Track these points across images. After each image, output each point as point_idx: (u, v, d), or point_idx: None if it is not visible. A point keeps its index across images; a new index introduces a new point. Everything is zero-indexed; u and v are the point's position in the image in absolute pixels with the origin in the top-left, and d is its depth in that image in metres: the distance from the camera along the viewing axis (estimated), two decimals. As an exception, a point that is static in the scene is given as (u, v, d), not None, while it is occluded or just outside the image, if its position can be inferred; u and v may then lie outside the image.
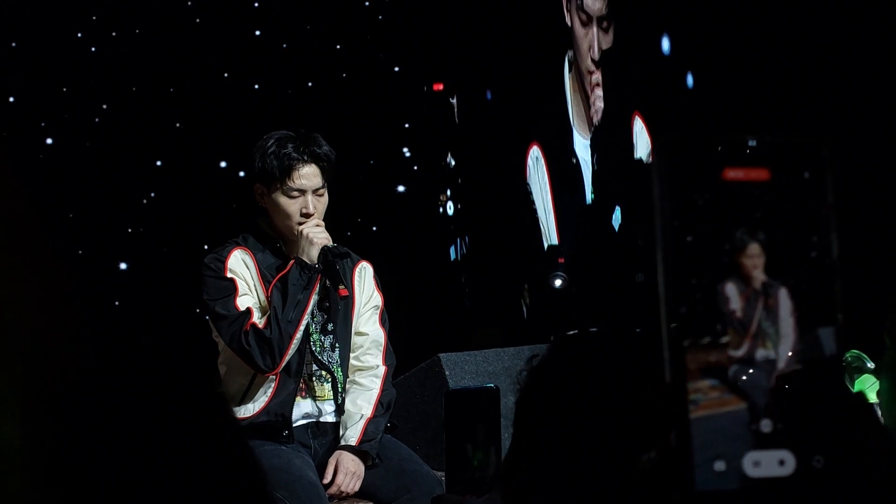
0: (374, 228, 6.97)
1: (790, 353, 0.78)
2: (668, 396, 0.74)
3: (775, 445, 0.75)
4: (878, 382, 2.81)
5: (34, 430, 0.60)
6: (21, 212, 0.64)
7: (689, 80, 5.50)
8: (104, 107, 6.73)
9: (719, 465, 0.74)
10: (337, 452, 3.60)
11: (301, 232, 3.57)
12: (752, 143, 0.80)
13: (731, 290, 0.79)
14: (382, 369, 3.76)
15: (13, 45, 6.56)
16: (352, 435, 3.61)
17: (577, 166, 6.44)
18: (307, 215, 3.58)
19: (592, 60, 6.31)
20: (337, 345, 3.67)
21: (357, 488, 3.60)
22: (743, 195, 0.80)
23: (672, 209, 0.78)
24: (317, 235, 3.56)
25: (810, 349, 0.78)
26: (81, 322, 0.65)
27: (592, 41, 6.26)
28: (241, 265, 3.60)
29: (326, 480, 3.56)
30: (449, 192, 7.06)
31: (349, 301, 3.71)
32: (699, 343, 0.77)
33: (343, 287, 3.64)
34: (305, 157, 3.58)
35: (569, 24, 6.41)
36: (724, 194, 0.79)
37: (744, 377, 0.77)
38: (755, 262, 0.80)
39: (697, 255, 0.79)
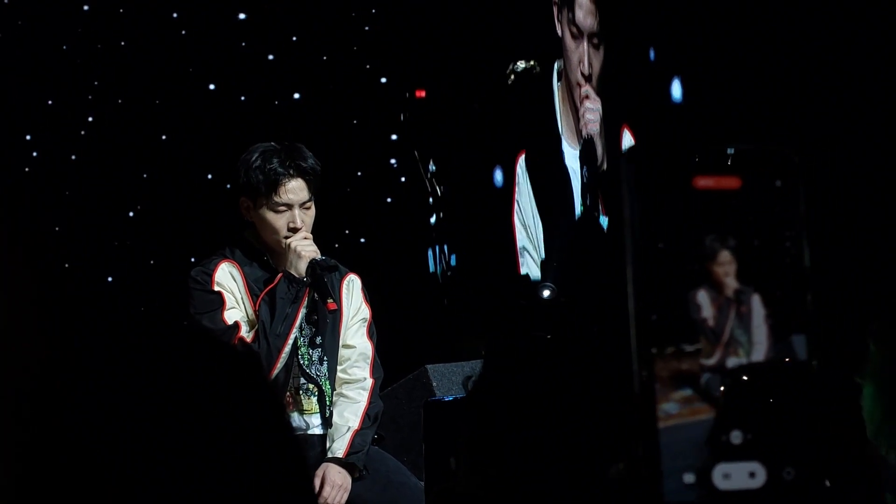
0: (363, 240, 6.96)
1: (763, 362, 0.77)
2: (636, 406, 0.74)
3: (746, 457, 0.74)
4: None
5: (19, 434, 0.59)
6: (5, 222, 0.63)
7: (676, 89, 5.51)
8: (90, 119, 6.71)
9: (689, 477, 0.73)
10: (324, 465, 3.59)
11: (289, 245, 3.55)
12: (722, 151, 0.79)
13: (702, 297, 0.79)
14: (370, 382, 3.74)
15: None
16: (339, 447, 3.60)
17: (567, 176, 6.43)
18: (294, 229, 3.56)
19: (582, 74, 6.31)
20: (325, 358, 3.66)
21: (344, 501, 3.59)
22: (714, 203, 0.79)
23: (642, 217, 0.77)
24: (305, 248, 3.54)
25: (782, 357, 0.78)
26: (69, 330, 0.65)
27: (583, 55, 6.26)
28: (228, 278, 3.58)
29: (313, 493, 3.55)
30: (431, 201, 7.05)
31: (337, 314, 3.69)
32: (670, 351, 0.76)
33: (331, 301, 3.62)
34: (291, 172, 3.55)
35: (559, 34, 6.41)
36: (695, 202, 0.79)
37: (715, 386, 0.77)
38: (726, 270, 0.79)
39: (668, 263, 0.78)
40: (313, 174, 3.60)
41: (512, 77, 6.69)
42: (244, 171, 3.57)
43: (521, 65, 6.63)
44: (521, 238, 6.69)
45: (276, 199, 3.54)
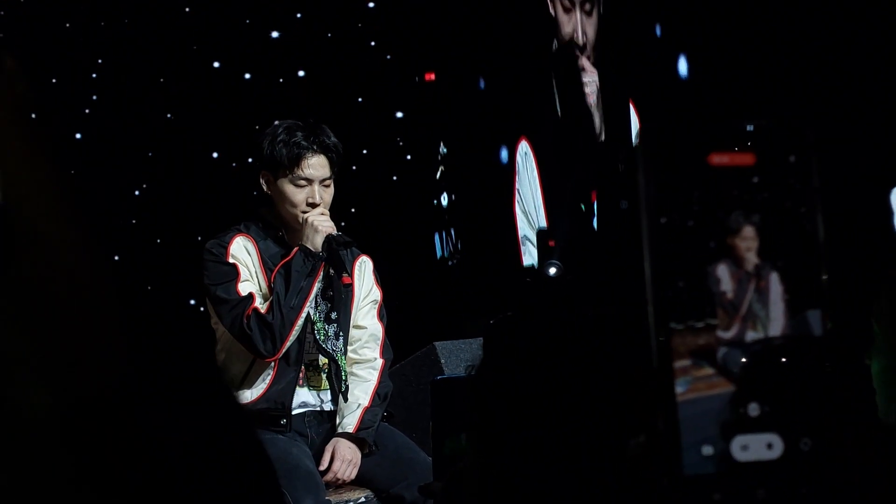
0: (368, 218, 6.96)
1: (779, 336, 0.78)
2: (655, 380, 0.75)
3: (763, 429, 0.75)
4: None
5: (60, 399, 0.60)
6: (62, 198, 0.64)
7: (682, 65, 5.49)
8: (94, 98, 6.71)
9: (707, 450, 0.74)
10: (334, 440, 3.61)
11: (306, 220, 3.57)
12: (736, 127, 0.80)
13: (722, 271, 0.79)
14: (380, 362, 3.76)
15: (1, 35, 6.54)
16: (349, 422, 3.62)
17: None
18: (313, 205, 3.59)
19: (576, 45, 6.29)
20: (340, 333, 3.68)
21: (353, 476, 3.61)
22: (729, 179, 0.80)
23: (658, 193, 0.78)
24: (322, 224, 3.56)
25: (798, 332, 0.78)
26: (118, 302, 0.65)
27: (576, 26, 6.24)
28: (243, 252, 3.60)
29: (323, 467, 3.56)
30: (440, 174, 7.04)
31: (350, 289, 3.71)
32: (687, 325, 0.77)
33: (346, 275, 3.64)
34: (315, 147, 3.59)
35: (552, 13, 6.39)
36: (710, 179, 0.79)
37: (732, 360, 0.77)
38: (749, 245, 0.80)
39: (685, 239, 0.79)
40: (336, 152, 3.64)
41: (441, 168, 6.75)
42: (268, 144, 3.60)
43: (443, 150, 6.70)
44: (522, 226, 6.68)
45: (298, 172, 3.57)
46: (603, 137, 6.35)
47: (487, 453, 0.90)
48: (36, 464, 0.59)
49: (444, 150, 7.03)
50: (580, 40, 6.23)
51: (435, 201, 7.07)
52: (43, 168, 0.63)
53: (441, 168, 7.03)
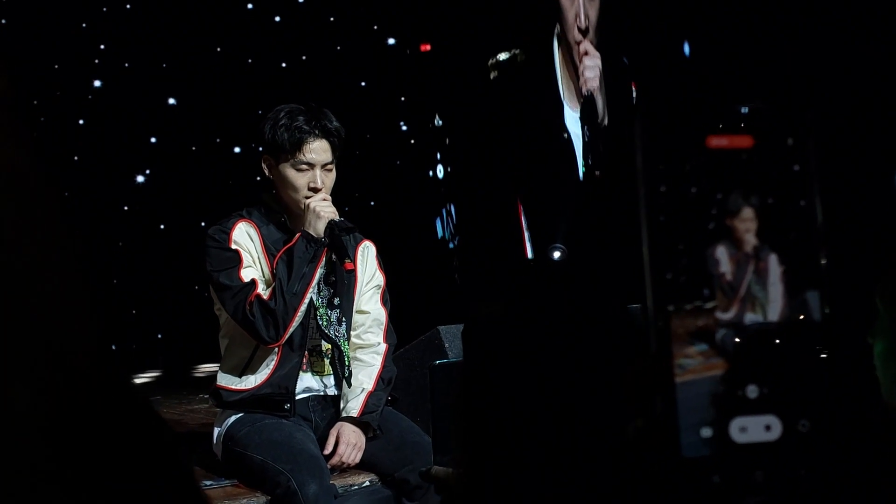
0: (372, 203, 6.96)
1: (778, 318, 0.78)
2: (653, 363, 0.75)
3: (762, 411, 0.75)
4: None
5: (43, 397, 0.60)
6: (39, 189, 0.64)
7: (685, 47, 5.48)
8: (96, 84, 6.70)
9: (706, 432, 0.75)
10: (338, 424, 3.61)
11: (308, 205, 3.56)
12: (734, 110, 0.79)
13: (721, 253, 0.79)
14: (383, 347, 3.77)
15: (3, 21, 6.54)
16: (353, 407, 3.62)
17: (569, 141, 6.41)
18: (315, 189, 3.58)
19: (579, 29, 6.27)
20: (343, 319, 3.68)
21: (358, 460, 3.61)
22: (727, 162, 0.80)
23: (656, 176, 0.78)
24: (324, 209, 3.56)
25: (797, 313, 0.78)
26: (97, 298, 0.66)
27: (578, 9, 6.22)
28: (245, 238, 3.60)
29: (327, 451, 3.56)
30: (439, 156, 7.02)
31: (353, 275, 3.71)
32: (686, 307, 0.77)
33: (349, 261, 3.63)
34: (316, 132, 3.58)
35: None
36: (708, 161, 0.79)
37: (731, 341, 0.77)
38: (748, 226, 0.80)
39: (683, 221, 0.78)
40: (338, 137, 3.63)
41: (494, 71, 6.66)
42: (270, 129, 3.59)
43: (502, 56, 6.61)
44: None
45: (300, 157, 3.56)
46: (606, 121, 6.33)
47: (479, 438, 0.90)
48: (18, 465, 0.58)
49: (440, 122, 6.99)
50: (582, 24, 6.21)
51: (430, 173, 7.04)
52: (16, 167, 0.62)
53: (436, 138, 7.00)
